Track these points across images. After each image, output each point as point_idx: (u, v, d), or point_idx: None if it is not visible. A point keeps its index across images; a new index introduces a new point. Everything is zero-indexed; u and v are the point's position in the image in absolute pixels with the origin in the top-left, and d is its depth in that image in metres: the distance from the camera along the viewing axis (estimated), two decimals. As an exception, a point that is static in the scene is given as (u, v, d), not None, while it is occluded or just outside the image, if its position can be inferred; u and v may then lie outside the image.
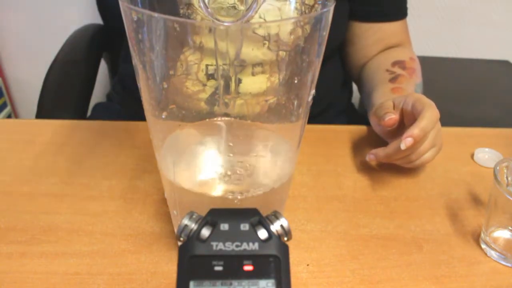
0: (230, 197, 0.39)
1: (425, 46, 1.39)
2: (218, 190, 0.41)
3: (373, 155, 0.54)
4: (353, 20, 0.76)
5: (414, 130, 0.48)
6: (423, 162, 0.53)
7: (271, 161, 0.43)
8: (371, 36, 0.76)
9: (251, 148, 0.42)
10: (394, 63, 0.71)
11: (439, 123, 0.53)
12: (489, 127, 0.66)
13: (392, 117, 0.52)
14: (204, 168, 0.43)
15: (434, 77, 1.26)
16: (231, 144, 0.42)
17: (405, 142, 0.48)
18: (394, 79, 0.67)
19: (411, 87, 0.66)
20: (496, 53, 1.40)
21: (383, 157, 0.53)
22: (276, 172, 0.42)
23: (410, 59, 0.72)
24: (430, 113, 0.50)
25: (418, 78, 0.70)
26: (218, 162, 0.42)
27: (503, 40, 1.41)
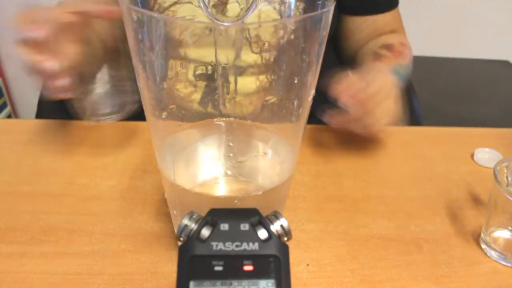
0: (230, 197, 0.39)
1: (425, 46, 1.39)
2: (218, 190, 0.41)
3: (329, 118, 0.54)
4: (345, 15, 0.76)
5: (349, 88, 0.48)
6: (379, 128, 0.53)
7: (271, 161, 0.43)
8: (365, 30, 0.75)
9: (251, 148, 0.42)
10: (382, 46, 0.70)
11: (394, 91, 0.53)
12: (489, 127, 0.66)
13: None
14: (204, 168, 0.43)
15: (434, 77, 1.26)
16: (231, 144, 0.42)
17: (344, 100, 0.48)
18: (377, 58, 0.67)
19: (392, 64, 0.66)
20: (496, 53, 1.40)
21: (338, 123, 0.53)
22: (276, 172, 0.42)
23: (400, 44, 0.71)
24: (372, 76, 0.50)
25: (404, 60, 0.70)
26: (218, 162, 0.42)
27: (503, 40, 1.41)
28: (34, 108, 0.78)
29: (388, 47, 0.70)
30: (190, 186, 0.39)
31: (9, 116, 1.50)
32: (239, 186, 0.41)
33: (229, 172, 0.41)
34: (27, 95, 1.51)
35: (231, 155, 0.42)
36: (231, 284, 0.24)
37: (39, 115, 0.78)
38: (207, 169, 0.42)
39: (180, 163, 0.41)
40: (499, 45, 1.41)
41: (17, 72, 1.49)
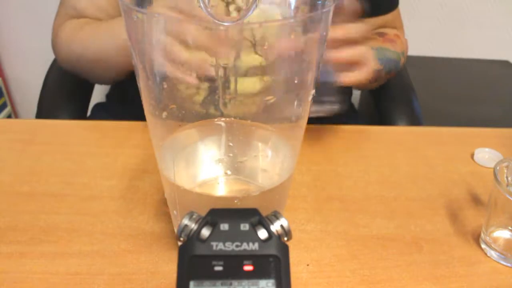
0: (230, 197, 0.39)
1: (425, 46, 1.39)
2: (218, 190, 0.41)
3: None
4: None
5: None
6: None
7: (271, 161, 0.43)
8: None
9: (251, 148, 0.42)
10: (374, 33, 0.70)
11: (367, 47, 0.54)
12: (489, 127, 0.66)
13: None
14: (204, 168, 0.43)
15: (434, 77, 1.26)
16: (231, 144, 0.42)
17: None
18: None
19: (376, 45, 0.66)
20: (496, 53, 1.40)
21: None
22: (276, 172, 0.42)
23: (394, 34, 0.71)
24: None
25: (393, 47, 0.69)
26: (218, 162, 0.42)
27: (503, 40, 1.41)
28: (34, 108, 0.78)
29: (380, 34, 0.70)
30: (190, 186, 0.39)
31: (9, 116, 1.50)
32: (239, 186, 0.41)
33: (229, 172, 0.41)
34: (27, 95, 1.51)
35: (231, 155, 0.42)
36: (231, 284, 0.24)
37: (39, 115, 0.78)
38: (207, 169, 0.42)
39: (180, 163, 0.41)
40: (499, 45, 1.41)
41: (17, 72, 1.49)
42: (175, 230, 0.43)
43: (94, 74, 0.71)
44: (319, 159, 0.57)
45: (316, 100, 0.53)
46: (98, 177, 0.52)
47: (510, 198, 0.40)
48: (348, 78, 0.54)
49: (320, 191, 0.52)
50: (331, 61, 0.52)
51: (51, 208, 0.47)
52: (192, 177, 0.42)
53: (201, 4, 0.35)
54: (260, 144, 0.42)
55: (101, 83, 0.81)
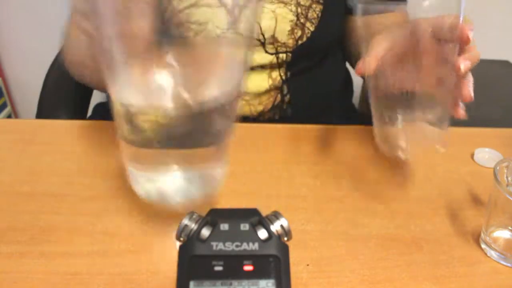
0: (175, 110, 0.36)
1: (425, 46, 1.39)
2: (164, 101, 0.37)
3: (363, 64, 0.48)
4: (353, 16, 0.75)
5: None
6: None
7: (218, 74, 0.39)
8: (374, 28, 0.75)
9: (198, 64, 0.39)
10: None
11: None
12: (489, 127, 0.66)
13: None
14: (148, 84, 0.39)
15: (434, 77, 1.26)
16: (176, 59, 0.38)
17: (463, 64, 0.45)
18: None
19: None
20: (496, 53, 1.40)
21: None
22: (224, 86, 0.38)
23: None
24: None
25: None
26: (162, 77, 0.39)
27: (503, 40, 1.41)
28: (34, 108, 0.78)
29: None
30: (136, 102, 0.36)
31: (9, 116, 1.50)
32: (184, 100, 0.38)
33: (174, 88, 0.38)
34: (27, 95, 1.51)
35: (176, 68, 0.38)
36: (231, 284, 0.24)
37: (39, 115, 0.78)
38: (150, 85, 0.39)
39: (125, 83, 0.37)
40: (499, 45, 1.41)
41: (17, 72, 1.49)
42: (131, 184, 0.41)
43: (86, 79, 0.64)
44: (319, 159, 0.57)
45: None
46: (98, 177, 0.52)
47: (510, 198, 0.40)
48: (463, 111, 0.51)
49: (320, 191, 0.52)
50: (467, 97, 0.48)
51: (51, 208, 0.47)
52: (138, 94, 0.38)
53: None
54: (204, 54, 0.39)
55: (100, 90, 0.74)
